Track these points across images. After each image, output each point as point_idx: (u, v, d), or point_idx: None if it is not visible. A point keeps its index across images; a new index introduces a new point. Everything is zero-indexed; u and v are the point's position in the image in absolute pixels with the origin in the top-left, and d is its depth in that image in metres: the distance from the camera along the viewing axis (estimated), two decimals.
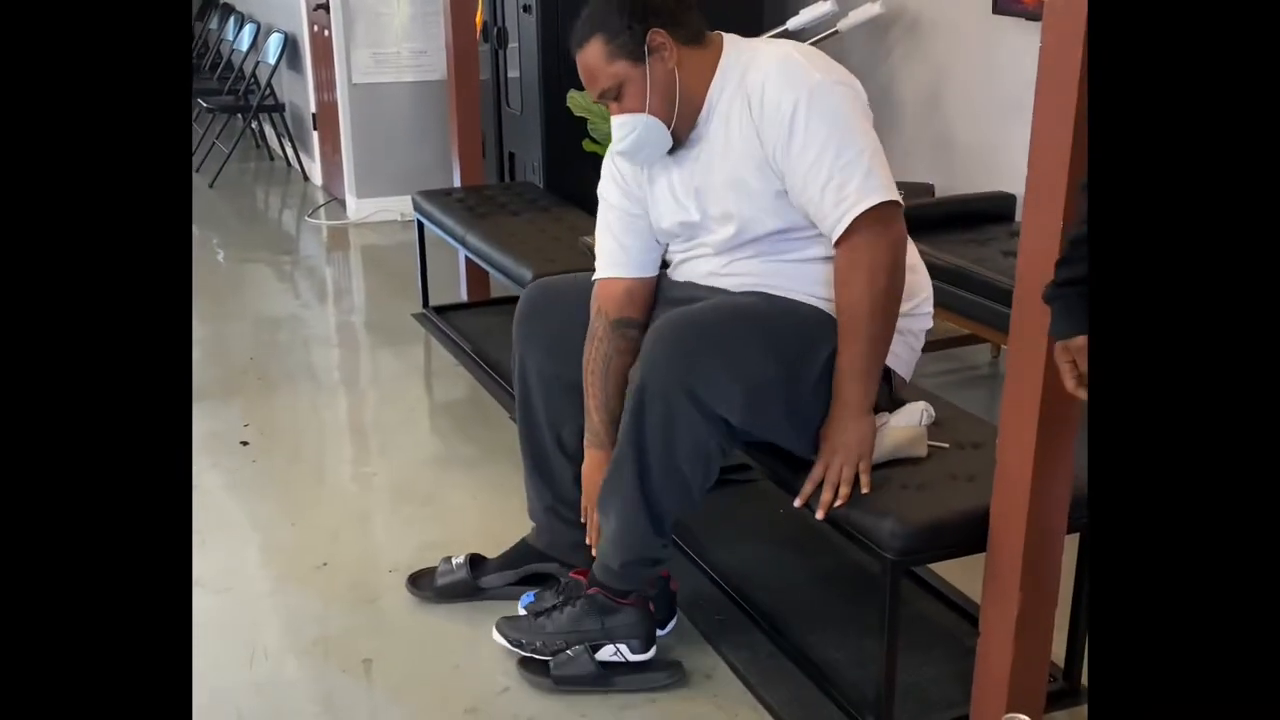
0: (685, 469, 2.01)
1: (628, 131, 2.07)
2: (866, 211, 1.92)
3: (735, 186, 2.05)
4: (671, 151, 2.10)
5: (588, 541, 2.23)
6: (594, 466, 2.20)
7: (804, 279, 2.07)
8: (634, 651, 2.17)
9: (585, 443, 2.23)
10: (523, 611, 2.31)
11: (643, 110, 2.04)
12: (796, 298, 2.06)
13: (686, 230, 2.16)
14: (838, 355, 1.99)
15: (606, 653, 2.16)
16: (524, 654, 2.21)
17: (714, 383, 1.94)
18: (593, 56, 2.04)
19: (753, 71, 2.01)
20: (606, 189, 2.26)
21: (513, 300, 3.07)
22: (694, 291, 2.15)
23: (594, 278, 2.24)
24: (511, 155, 5.01)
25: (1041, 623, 1.86)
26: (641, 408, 1.98)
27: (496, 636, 2.25)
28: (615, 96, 2.06)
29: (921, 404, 2.06)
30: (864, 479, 1.96)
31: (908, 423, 2.03)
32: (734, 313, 2.02)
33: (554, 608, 2.22)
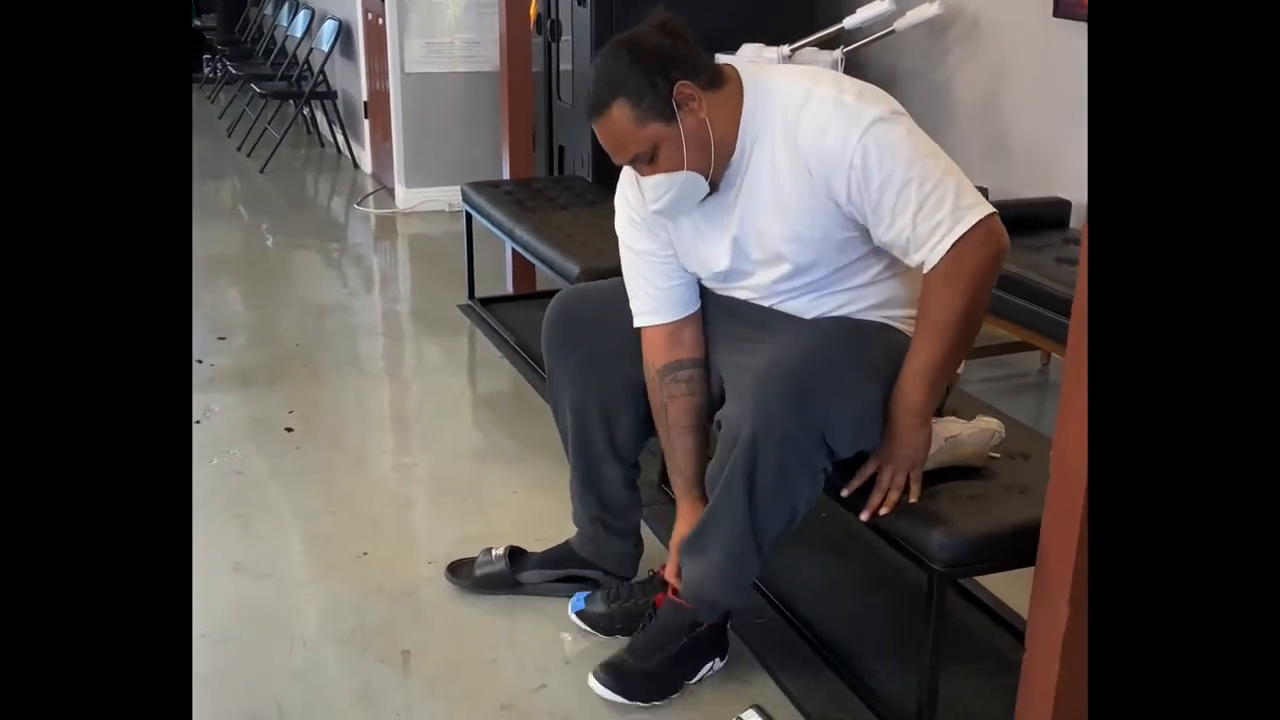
0: (797, 501, 1.95)
1: (665, 190, 1.94)
2: (965, 233, 1.82)
3: (793, 238, 1.95)
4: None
5: (668, 578, 2.17)
6: (684, 520, 2.16)
7: (857, 304, 2.02)
8: (721, 659, 2.19)
9: (676, 491, 2.20)
10: (575, 618, 2.31)
11: (682, 168, 1.91)
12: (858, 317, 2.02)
13: (718, 276, 2.08)
14: (910, 356, 1.90)
15: (703, 672, 2.16)
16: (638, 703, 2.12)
17: (832, 422, 1.87)
18: (619, 123, 1.89)
19: (803, 118, 1.88)
20: (628, 234, 2.15)
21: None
22: (746, 309, 2.09)
23: (635, 324, 2.15)
24: (561, 149, 4.99)
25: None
26: (754, 458, 1.87)
27: (598, 688, 2.12)
28: (649, 159, 1.92)
29: (997, 425, 2.02)
30: (914, 488, 1.93)
31: (979, 441, 2.00)
32: (827, 347, 1.94)
33: (651, 646, 2.15)
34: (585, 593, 2.34)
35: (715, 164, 1.93)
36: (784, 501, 1.94)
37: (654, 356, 2.14)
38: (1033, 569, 1.84)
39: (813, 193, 1.89)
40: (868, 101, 1.87)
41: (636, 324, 2.15)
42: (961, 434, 1.99)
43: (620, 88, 1.88)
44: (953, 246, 1.81)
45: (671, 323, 2.13)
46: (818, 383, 1.87)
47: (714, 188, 1.97)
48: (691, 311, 2.14)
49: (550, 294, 4.07)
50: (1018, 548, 1.84)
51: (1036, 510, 1.83)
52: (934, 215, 1.82)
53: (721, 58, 2.06)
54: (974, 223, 1.82)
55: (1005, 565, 1.91)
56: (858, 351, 1.94)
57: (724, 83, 1.94)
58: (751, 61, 2.02)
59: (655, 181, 1.95)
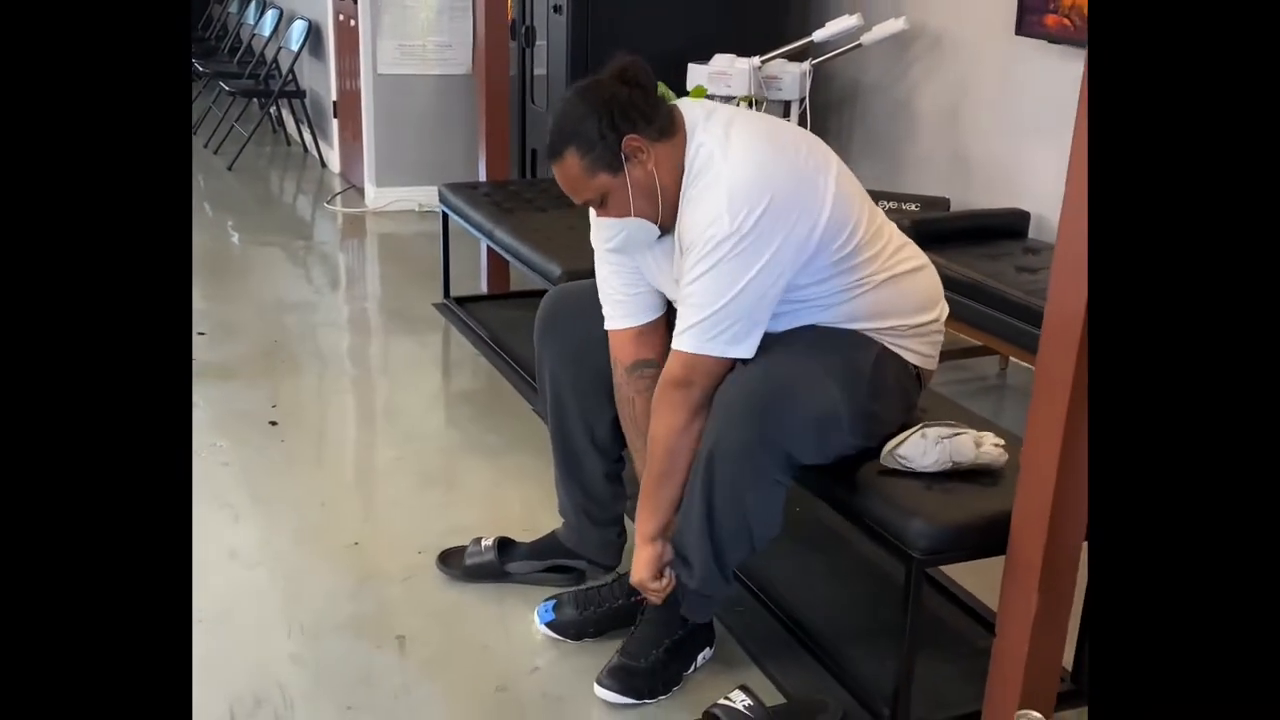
0: (754, 525, 2.05)
1: (616, 232, 2.07)
2: (699, 355, 1.98)
3: None
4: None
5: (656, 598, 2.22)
6: (652, 558, 2.18)
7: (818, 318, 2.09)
8: (710, 647, 2.29)
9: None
10: (545, 630, 2.35)
11: (629, 214, 2.03)
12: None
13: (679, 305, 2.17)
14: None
15: (698, 662, 2.27)
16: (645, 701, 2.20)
17: (793, 431, 1.97)
18: (571, 170, 2.00)
19: (705, 199, 1.95)
20: (600, 244, 2.22)
21: (534, 294, 3.16)
22: None
23: (605, 327, 2.25)
24: (534, 152, 5.08)
25: (1057, 625, 1.94)
26: (712, 473, 2.00)
27: (607, 695, 2.18)
28: (600, 204, 2.05)
29: (1002, 460, 2.10)
30: (658, 589, 2.18)
31: (979, 464, 2.10)
32: (784, 358, 2.02)
33: (646, 645, 2.22)
34: (551, 602, 2.39)
35: (663, 211, 2.03)
36: (738, 514, 2.03)
37: (621, 355, 2.24)
38: (1001, 559, 1.97)
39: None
40: (759, 201, 1.90)
41: (607, 327, 2.25)
42: (966, 462, 2.08)
43: (572, 137, 1.98)
44: (681, 358, 2.00)
45: (637, 326, 2.22)
46: (773, 392, 1.97)
47: (666, 230, 2.06)
48: (656, 316, 2.23)
49: (526, 294, 4.19)
50: (990, 537, 1.96)
51: (1005, 502, 1.95)
52: (693, 314, 1.97)
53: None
54: (700, 353, 1.98)
55: (979, 554, 2.02)
56: (815, 354, 2.03)
57: (675, 132, 2.01)
58: (702, 102, 2.11)
59: (608, 223, 2.08)
